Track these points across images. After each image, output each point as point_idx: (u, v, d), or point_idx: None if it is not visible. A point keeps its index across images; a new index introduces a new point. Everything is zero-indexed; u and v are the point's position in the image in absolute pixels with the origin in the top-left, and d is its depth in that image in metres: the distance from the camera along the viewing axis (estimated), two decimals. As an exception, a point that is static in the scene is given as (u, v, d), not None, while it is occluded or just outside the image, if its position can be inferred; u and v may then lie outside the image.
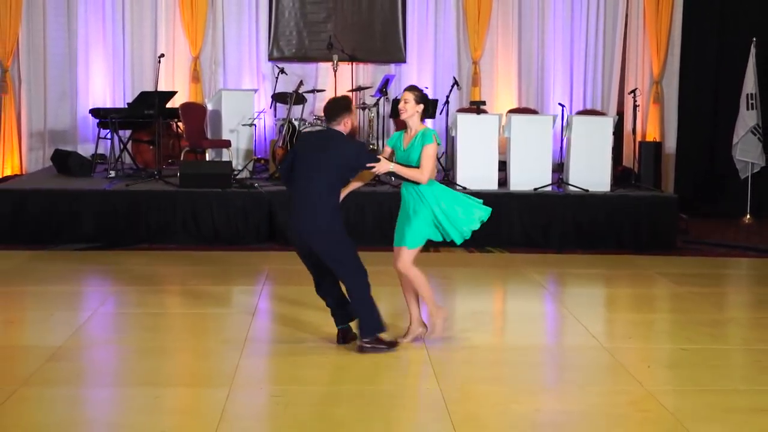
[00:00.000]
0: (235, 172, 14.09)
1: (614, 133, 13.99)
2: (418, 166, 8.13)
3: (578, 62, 16.99)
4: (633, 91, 14.93)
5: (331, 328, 8.55)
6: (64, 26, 16.57)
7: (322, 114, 14.50)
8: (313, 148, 8.16)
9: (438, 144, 8.21)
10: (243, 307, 9.66)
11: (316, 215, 7.96)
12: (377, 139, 15.36)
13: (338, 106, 8.18)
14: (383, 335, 8.18)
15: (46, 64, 16.58)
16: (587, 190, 13.48)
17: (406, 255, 8.18)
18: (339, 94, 15.46)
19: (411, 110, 8.21)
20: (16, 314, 9.83)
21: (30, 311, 10.00)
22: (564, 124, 14.17)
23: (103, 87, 16.80)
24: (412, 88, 8.38)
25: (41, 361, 7.78)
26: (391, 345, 8.22)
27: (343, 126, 8.10)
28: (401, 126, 15.44)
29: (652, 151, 15.61)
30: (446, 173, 14.39)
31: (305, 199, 8.03)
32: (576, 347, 8.63)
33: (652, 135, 16.63)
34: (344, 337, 8.31)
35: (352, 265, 8.07)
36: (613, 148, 14.02)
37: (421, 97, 8.30)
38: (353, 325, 8.29)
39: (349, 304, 8.23)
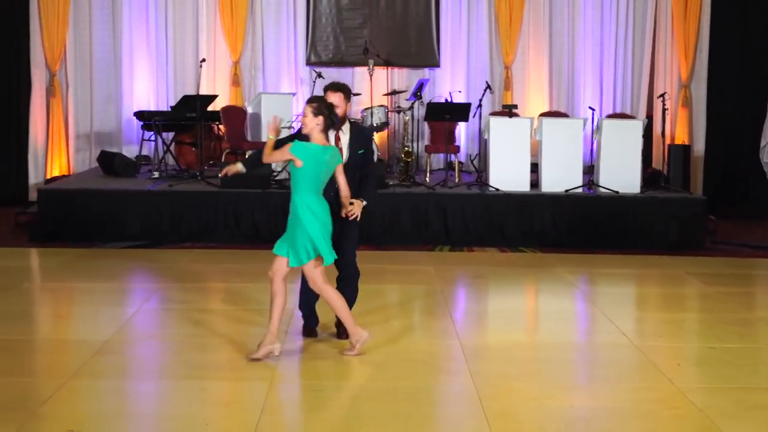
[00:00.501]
0: (275, 173, 14.25)
1: (644, 136, 14.13)
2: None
3: (608, 67, 17.06)
4: (662, 95, 15.07)
5: (370, 325, 8.71)
6: (109, 32, 16.83)
7: (358, 118, 14.90)
8: None
9: (296, 156, 7.76)
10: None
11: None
12: (412, 141, 15.58)
13: None
14: None
15: (92, 68, 16.82)
16: (617, 192, 13.58)
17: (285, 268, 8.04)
18: (375, 100, 15.74)
19: (310, 124, 7.88)
20: (65, 309, 10.06)
21: (78, 306, 10.20)
22: (594, 127, 14.26)
23: (147, 90, 17.04)
24: (311, 101, 8.03)
25: (89, 354, 7.95)
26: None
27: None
28: (435, 130, 15.82)
29: (680, 153, 15.65)
30: (479, 175, 14.60)
31: None
32: (607, 345, 8.68)
33: (681, 138, 16.66)
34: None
35: None
36: (643, 151, 14.13)
37: (319, 108, 7.88)
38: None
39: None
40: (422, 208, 13.37)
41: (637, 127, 14.06)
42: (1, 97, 16.48)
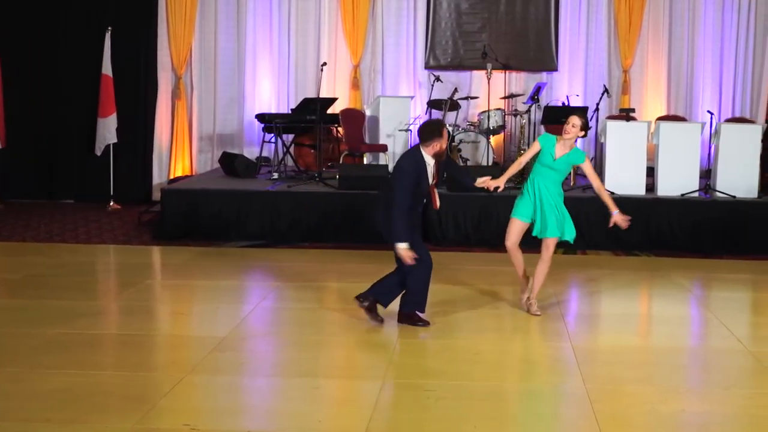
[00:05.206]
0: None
1: (762, 141, 13.91)
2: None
3: (728, 70, 16.90)
4: (783, 99, 14.96)
5: (482, 326, 9.02)
6: (233, 37, 17.24)
7: (476, 120, 14.99)
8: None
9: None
10: (395, 304, 9.58)
11: (384, 216, 8.77)
12: (528, 144, 15.59)
13: (430, 131, 8.83)
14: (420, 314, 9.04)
15: (216, 72, 17.26)
16: (734, 197, 13.47)
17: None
18: (492, 103, 15.80)
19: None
20: (186, 306, 10.30)
21: (198, 304, 10.43)
22: (712, 131, 14.17)
23: (269, 93, 17.38)
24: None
25: (207, 350, 8.16)
26: (425, 323, 9.03)
27: (431, 148, 8.77)
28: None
29: (800, 159, 15.48)
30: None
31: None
32: (720, 350, 8.60)
33: (802, 142, 16.49)
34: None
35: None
36: (761, 156, 13.92)
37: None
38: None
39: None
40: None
41: (756, 131, 13.90)
42: (129, 99, 16.87)
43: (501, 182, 9.40)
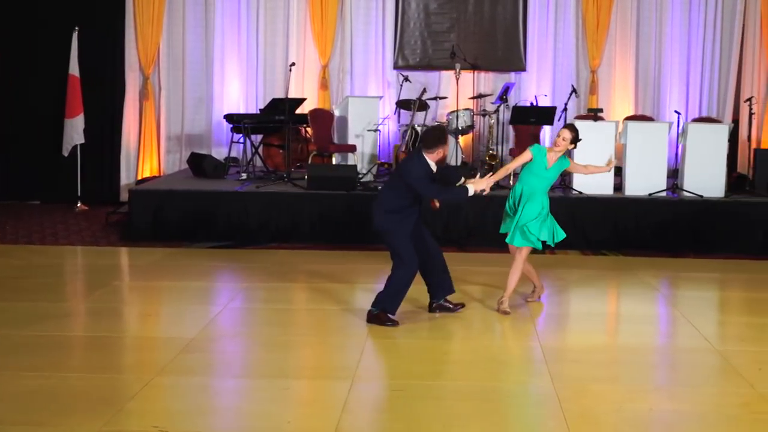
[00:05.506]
0: (360, 176, 14.39)
1: (729, 141, 13.98)
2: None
3: (694, 71, 16.97)
4: (749, 99, 15.01)
5: (452, 326, 9.07)
6: (201, 37, 17.16)
7: (444, 121, 15.01)
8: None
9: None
10: (366, 304, 9.55)
11: (377, 214, 9.07)
12: (497, 144, 15.65)
13: (436, 138, 9.06)
14: (389, 315, 9.10)
15: (184, 72, 17.17)
16: (701, 196, 13.52)
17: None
18: (461, 103, 15.83)
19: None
20: (154, 307, 10.26)
21: (166, 305, 10.41)
22: (679, 131, 14.24)
23: (237, 94, 17.33)
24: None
25: (175, 352, 8.14)
26: (393, 323, 9.07)
27: (436, 155, 9.01)
28: (520, 133, 15.87)
29: (766, 158, 15.36)
30: (563, 178, 14.50)
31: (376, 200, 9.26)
32: (688, 349, 8.66)
33: (767, 142, 16.61)
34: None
35: (400, 257, 9.02)
36: (728, 155, 14.00)
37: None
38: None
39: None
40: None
41: (722, 131, 13.95)
42: (96, 100, 16.74)
43: (487, 187, 9.39)
